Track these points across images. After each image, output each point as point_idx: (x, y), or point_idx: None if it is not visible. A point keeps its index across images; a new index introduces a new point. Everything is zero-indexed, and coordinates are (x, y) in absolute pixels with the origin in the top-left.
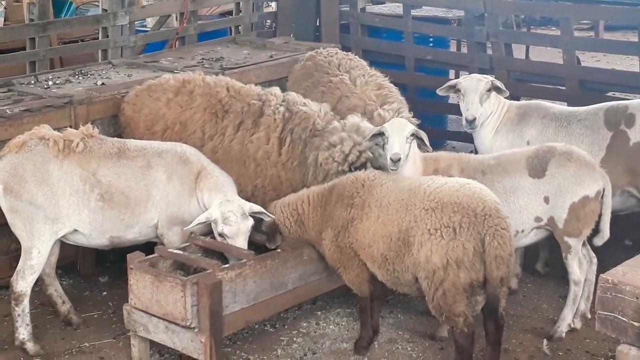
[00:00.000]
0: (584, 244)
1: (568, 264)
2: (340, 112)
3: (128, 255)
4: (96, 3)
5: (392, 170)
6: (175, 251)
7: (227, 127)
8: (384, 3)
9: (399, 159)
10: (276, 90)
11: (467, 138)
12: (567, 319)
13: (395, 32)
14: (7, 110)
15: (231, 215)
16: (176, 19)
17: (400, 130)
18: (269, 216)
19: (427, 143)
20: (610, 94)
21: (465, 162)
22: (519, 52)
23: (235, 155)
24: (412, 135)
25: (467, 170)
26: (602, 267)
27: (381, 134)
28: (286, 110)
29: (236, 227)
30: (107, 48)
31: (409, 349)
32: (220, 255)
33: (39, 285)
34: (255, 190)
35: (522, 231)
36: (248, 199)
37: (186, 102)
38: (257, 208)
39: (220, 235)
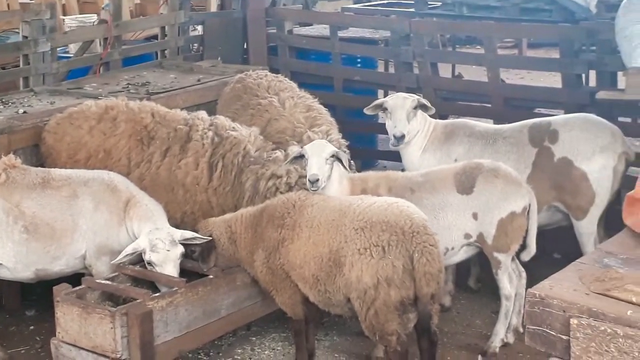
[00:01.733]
0: (513, 259)
1: (499, 280)
2: (270, 135)
3: (54, 287)
4: (16, 30)
5: (312, 191)
6: (103, 282)
7: (153, 154)
8: (311, 25)
9: (317, 180)
10: (203, 114)
11: (398, 157)
12: (500, 334)
13: (323, 54)
14: None
15: (159, 243)
16: (100, 44)
17: (320, 152)
18: (202, 239)
19: (347, 165)
20: (535, 110)
21: (393, 180)
22: (445, 70)
23: (163, 181)
24: (333, 156)
25: (395, 189)
26: (533, 281)
27: (302, 155)
28: (215, 135)
29: (164, 254)
30: (28, 75)
31: None
32: (151, 284)
33: None
34: (185, 216)
35: (452, 248)
36: (177, 226)
37: (110, 129)
38: (188, 234)
39: (149, 263)
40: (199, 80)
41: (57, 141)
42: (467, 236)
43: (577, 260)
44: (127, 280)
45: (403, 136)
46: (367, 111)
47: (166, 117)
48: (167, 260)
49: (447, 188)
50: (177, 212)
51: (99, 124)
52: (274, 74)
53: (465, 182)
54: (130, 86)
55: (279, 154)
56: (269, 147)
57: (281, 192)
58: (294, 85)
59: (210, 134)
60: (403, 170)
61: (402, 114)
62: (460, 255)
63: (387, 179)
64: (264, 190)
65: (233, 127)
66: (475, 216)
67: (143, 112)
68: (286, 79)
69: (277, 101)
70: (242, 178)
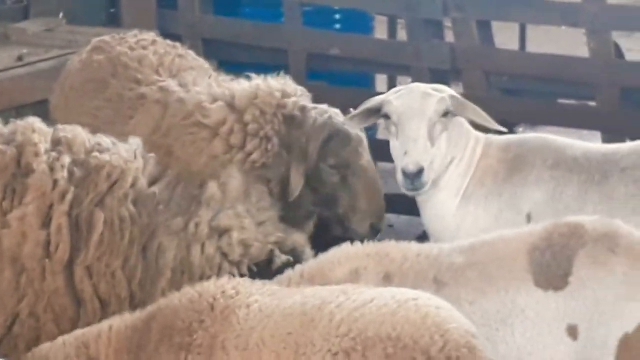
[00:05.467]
0: None
1: None
2: (168, 132)
3: None
4: None
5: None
6: None
7: None
8: None
9: (421, 170)
10: (37, 123)
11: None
12: None
13: (266, 6)
14: None
15: None
16: None
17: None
18: None
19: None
20: None
21: (395, 261)
22: (505, 38)
23: None
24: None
25: (403, 277)
26: None
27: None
28: (73, 162)
29: None
30: None
31: None
32: None
33: None
34: (17, 321)
35: None
36: None
37: None
38: None
39: None
40: (19, 58)
41: None
42: None
43: None
44: None
45: (422, 171)
46: (353, 122)
47: None
48: None
49: (516, 278)
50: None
51: None
52: (169, 42)
53: (553, 266)
54: None
55: (211, 187)
56: (172, 174)
57: (231, 263)
58: (206, 64)
59: (65, 160)
60: (423, 234)
61: (421, 128)
62: None
63: (380, 257)
64: (203, 264)
65: (100, 145)
66: (573, 331)
67: None
68: (192, 52)
69: (179, 84)
70: (151, 246)
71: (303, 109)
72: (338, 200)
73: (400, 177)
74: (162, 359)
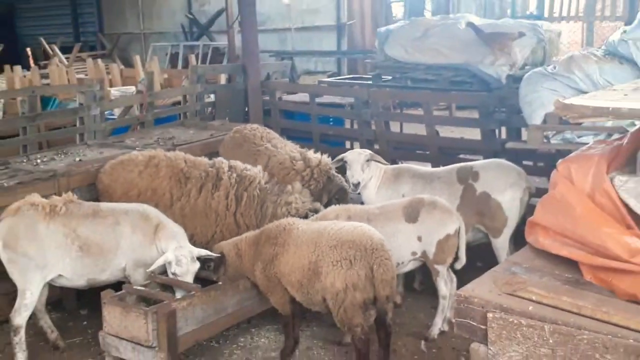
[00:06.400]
0: (447, 269)
1: (437, 284)
2: (272, 168)
3: (102, 292)
4: (75, 98)
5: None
6: (139, 288)
7: (191, 190)
8: (295, 93)
9: (358, 183)
10: (222, 160)
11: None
12: (438, 324)
13: (304, 115)
14: (5, 184)
15: (182, 259)
16: (137, 109)
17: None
18: (214, 256)
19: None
20: (461, 156)
21: (352, 212)
22: (395, 127)
23: (200, 210)
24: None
25: (354, 218)
26: (461, 284)
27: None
28: (236, 174)
29: (186, 268)
30: (83, 132)
31: (322, 353)
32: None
33: (33, 318)
34: (215, 235)
35: (402, 262)
36: (208, 243)
37: (154, 172)
38: (203, 252)
39: (174, 274)
40: (211, 135)
41: (113, 182)
42: (414, 254)
43: (492, 268)
44: (157, 286)
45: (359, 183)
46: (332, 164)
47: (195, 162)
48: (187, 272)
49: (397, 218)
50: (209, 233)
51: (146, 169)
52: (263, 127)
53: (412, 213)
54: (159, 140)
55: (289, 187)
56: (273, 181)
57: (292, 215)
58: (278, 135)
59: (234, 174)
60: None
61: (358, 167)
62: (408, 267)
63: (346, 210)
64: (281, 214)
65: (246, 168)
66: (419, 239)
67: (178, 159)
68: (272, 131)
69: (271, 145)
70: (264, 206)
71: (332, 175)
72: (331, 202)
73: (350, 185)
74: (265, 248)
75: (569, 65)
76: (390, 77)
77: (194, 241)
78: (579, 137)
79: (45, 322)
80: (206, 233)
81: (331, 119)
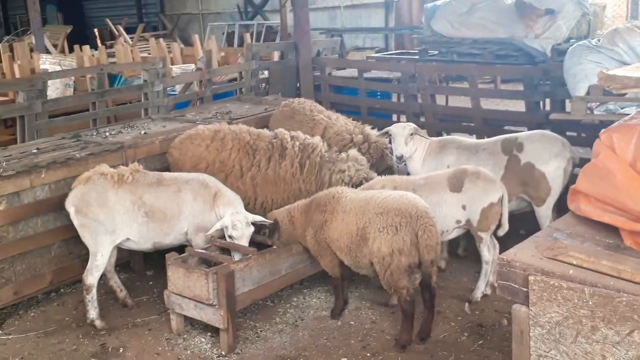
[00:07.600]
0: (490, 235)
1: (480, 250)
2: (329, 139)
3: (166, 254)
4: (139, 75)
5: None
6: (200, 251)
7: (260, 161)
8: (344, 69)
9: (401, 156)
10: (283, 130)
11: None
12: (481, 288)
13: (353, 89)
14: (77, 155)
15: (238, 224)
16: (197, 85)
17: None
18: (266, 222)
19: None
20: (506, 127)
21: (398, 182)
22: (440, 100)
23: (270, 179)
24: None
25: (400, 188)
26: (504, 250)
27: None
28: (299, 143)
29: (241, 232)
30: (147, 107)
31: (370, 314)
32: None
33: (103, 279)
34: (282, 200)
35: (447, 230)
36: (278, 208)
37: (220, 145)
38: (258, 218)
39: (230, 237)
40: (265, 109)
41: (182, 155)
42: (458, 222)
43: (534, 234)
44: (217, 249)
45: (402, 156)
46: (378, 136)
47: (259, 135)
48: (243, 236)
49: (442, 188)
50: (279, 199)
51: (213, 143)
52: (311, 101)
53: (456, 183)
54: (217, 114)
55: (343, 155)
56: (332, 150)
57: (344, 181)
58: (324, 109)
59: (297, 143)
60: (408, 174)
61: (401, 140)
62: (453, 234)
63: (392, 181)
64: (335, 182)
65: (306, 137)
66: (464, 207)
67: (242, 132)
68: (320, 105)
69: (324, 116)
70: (322, 173)
71: (386, 154)
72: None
73: (394, 158)
74: (316, 214)
75: (613, 38)
76: (436, 52)
77: (264, 208)
78: (622, 108)
79: (115, 282)
80: (277, 200)
81: (379, 93)
